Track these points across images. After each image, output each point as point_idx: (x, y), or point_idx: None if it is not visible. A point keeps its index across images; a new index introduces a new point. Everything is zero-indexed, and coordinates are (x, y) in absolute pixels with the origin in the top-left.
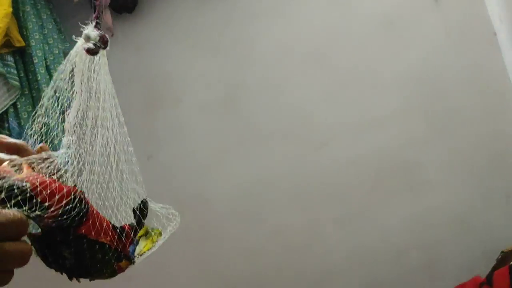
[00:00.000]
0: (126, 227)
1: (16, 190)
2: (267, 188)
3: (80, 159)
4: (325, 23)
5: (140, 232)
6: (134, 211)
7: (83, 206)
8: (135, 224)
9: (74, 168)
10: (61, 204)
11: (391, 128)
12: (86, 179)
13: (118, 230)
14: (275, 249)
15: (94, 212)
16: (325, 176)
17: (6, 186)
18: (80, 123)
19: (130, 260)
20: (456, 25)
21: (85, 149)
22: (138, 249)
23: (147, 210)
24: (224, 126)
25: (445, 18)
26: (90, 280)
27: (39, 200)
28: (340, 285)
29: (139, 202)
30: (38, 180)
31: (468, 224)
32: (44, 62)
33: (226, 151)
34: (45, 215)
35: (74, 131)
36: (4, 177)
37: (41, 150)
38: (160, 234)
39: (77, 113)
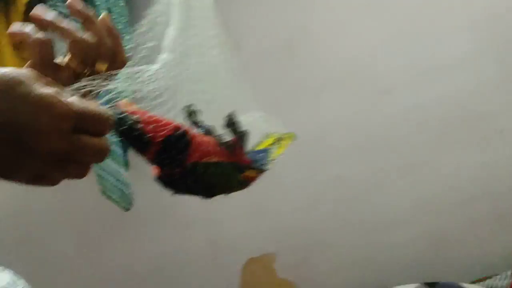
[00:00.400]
0: (233, 140)
1: (127, 122)
2: (327, 136)
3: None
4: None
5: (269, 141)
6: (228, 124)
7: (185, 138)
8: (238, 134)
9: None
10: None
11: (460, 74)
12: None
13: (225, 145)
14: (335, 198)
15: (197, 138)
16: (388, 125)
17: (118, 117)
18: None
19: (256, 168)
20: None
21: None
22: (270, 155)
23: (236, 120)
24: (285, 72)
25: None
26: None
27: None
28: (403, 235)
29: (227, 116)
30: (146, 115)
31: None
32: (105, 4)
33: (286, 99)
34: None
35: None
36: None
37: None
38: (292, 137)
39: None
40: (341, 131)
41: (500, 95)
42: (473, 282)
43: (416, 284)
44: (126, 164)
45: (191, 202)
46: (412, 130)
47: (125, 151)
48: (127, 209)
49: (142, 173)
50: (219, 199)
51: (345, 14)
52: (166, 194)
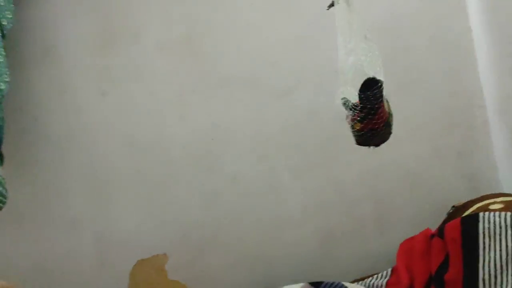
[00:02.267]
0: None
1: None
2: (225, 134)
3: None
4: None
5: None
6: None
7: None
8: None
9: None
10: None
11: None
12: None
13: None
14: (231, 196)
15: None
16: (285, 125)
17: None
18: None
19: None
20: None
21: None
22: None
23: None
24: (184, 67)
25: None
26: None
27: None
28: (295, 234)
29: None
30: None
31: (420, 178)
32: None
33: (185, 94)
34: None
35: None
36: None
37: None
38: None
39: None
40: (238, 130)
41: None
42: (356, 281)
43: (302, 284)
44: (1, 159)
45: (76, 200)
46: (307, 132)
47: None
48: (0, 208)
49: (21, 169)
50: (106, 196)
51: (249, 12)
52: (48, 192)
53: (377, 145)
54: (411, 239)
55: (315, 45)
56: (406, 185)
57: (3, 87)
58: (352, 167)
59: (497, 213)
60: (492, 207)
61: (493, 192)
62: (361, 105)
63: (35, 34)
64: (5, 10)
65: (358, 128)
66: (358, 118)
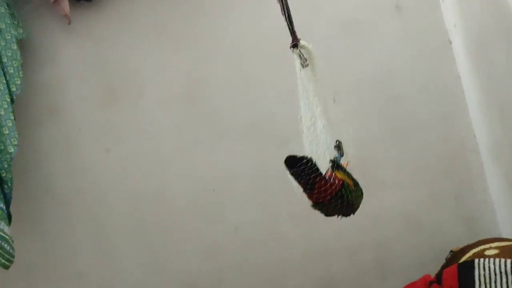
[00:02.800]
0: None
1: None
2: (227, 185)
3: None
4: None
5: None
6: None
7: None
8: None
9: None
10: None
11: (348, 128)
12: None
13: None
14: (234, 246)
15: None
16: (285, 174)
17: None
18: None
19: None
20: (415, 31)
21: None
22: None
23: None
24: (186, 121)
25: (404, 25)
26: None
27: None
28: (297, 281)
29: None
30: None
31: (418, 223)
32: None
33: (187, 147)
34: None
35: None
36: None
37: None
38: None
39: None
40: (239, 180)
41: (382, 148)
42: None
43: None
44: (9, 218)
45: (83, 253)
46: None
47: (7, 205)
48: (7, 267)
49: (30, 226)
50: (112, 249)
51: (245, 68)
52: (55, 246)
53: (346, 215)
54: (412, 285)
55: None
56: (405, 230)
57: (12, 150)
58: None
59: (491, 260)
60: (487, 252)
61: (492, 234)
62: (296, 180)
63: (41, 96)
64: (14, 77)
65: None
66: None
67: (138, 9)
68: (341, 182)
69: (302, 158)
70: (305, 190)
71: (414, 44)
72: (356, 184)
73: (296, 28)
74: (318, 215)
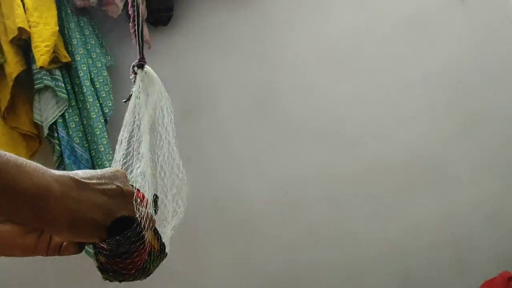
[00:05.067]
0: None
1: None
2: (299, 187)
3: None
4: (352, 25)
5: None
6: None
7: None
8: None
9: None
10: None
11: (419, 126)
12: None
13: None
14: (309, 245)
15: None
16: (355, 174)
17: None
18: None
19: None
20: (482, 23)
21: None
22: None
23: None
24: (259, 128)
25: (471, 17)
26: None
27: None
28: (374, 279)
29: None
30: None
31: (498, 219)
32: (88, 75)
33: (261, 152)
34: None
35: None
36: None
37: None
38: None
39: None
40: (311, 182)
41: (454, 146)
42: None
43: None
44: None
45: (174, 254)
46: (377, 179)
47: None
48: None
49: None
50: (199, 253)
51: (313, 73)
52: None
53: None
54: (490, 281)
55: (376, 97)
56: (483, 226)
57: (107, 165)
58: (428, 210)
59: None
60: None
61: None
62: (112, 246)
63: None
64: (107, 100)
65: (101, 260)
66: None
67: (209, 27)
68: (148, 251)
69: (130, 220)
70: (115, 257)
71: (482, 36)
72: (162, 250)
73: (359, 29)
74: (392, 214)
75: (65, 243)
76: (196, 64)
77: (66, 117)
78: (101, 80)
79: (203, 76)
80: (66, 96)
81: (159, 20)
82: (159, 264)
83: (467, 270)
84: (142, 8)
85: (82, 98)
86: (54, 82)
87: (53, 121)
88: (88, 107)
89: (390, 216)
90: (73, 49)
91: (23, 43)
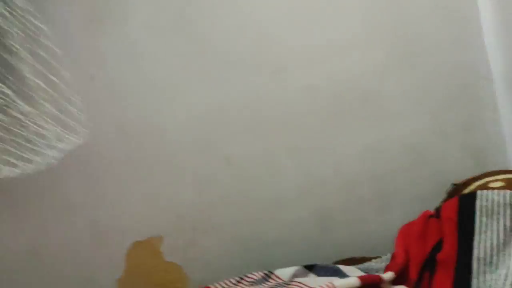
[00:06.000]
0: None
1: None
2: (220, 116)
3: None
4: None
5: None
6: None
7: None
8: None
9: None
10: None
11: (351, 55)
12: None
13: None
14: (226, 178)
15: None
16: (281, 104)
17: None
18: None
19: None
20: None
21: None
22: None
23: None
24: (176, 49)
25: None
26: None
27: None
28: (292, 215)
29: None
30: None
31: (422, 156)
32: None
33: (177, 76)
34: None
35: None
36: None
37: None
38: None
39: None
40: (232, 110)
41: (388, 78)
42: (355, 260)
43: (296, 267)
44: None
45: (70, 185)
46: (305, 110)
47: None
48: None
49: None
50: (100, 181)
51: None
52: (42, 176)
53: None
54: (411, 223)
55: (305, 22)
56: (408, 163)
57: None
58: (351, 145)
59: (496, 191)
60: (492, 185)
61: (500, 168)
62: None
63: (22, 21)
64: None
65: None
66: None
67: None
68: None
69: None
70: None
71: None
72: None
73: None
74: (315, 147)
75: None
76: None
77: None
78: None
79: None
80: None
81: None
82: None
83: (388, 207)
84: None
85: None
86: None
87: None
88: None
89: (313, 150)
90: None
91: None
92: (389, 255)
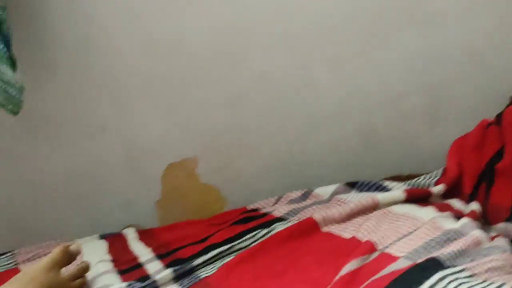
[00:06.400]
0: None
1: None
2: (250, 27)
3: None
4: None
5: None
6: None
7: None
8: None
9: None
10: None
11: None
12: None
13: None
14: (260, 95)
15: None
16: (316, 10)
17: None
18: None
19: None
20: None
21: None
22: None
23: None
24: None
25: None
26: None
27: None
28: (333, 132)
29: None
30: None
31: (484, 62)
32: None
33: None
34: None
35: None
36: None
37: None
38: None
39: None
40: (264, 20)
41: None
42: (401, 178)
43: (337, 185)
44: (12, 63)
45: (102, 107)
46: (343, 16)
47: (8, 47)
48: (16, 113)
49: (42, 78)
50: (131, 102)
51: None
52: (73, 99)
53: None
54: (466, 134)
55: None
56: (466, 70)
57: None
58: (399, 52)
59: None
60: None
61: None
62: None
63: None
64: None
65: None
66: None
67: None
68: None
69: None
70: None
71: None
72: None
73: None
74: (357, 57)
75: None
76: None
77: None
78: None
79: None
80: None
81: None
82: None
83: (440, 122)
84: None
85: None
86: None
87: None
88: None
89: (355, 60)
90: None
91: None
92: (440, 171)
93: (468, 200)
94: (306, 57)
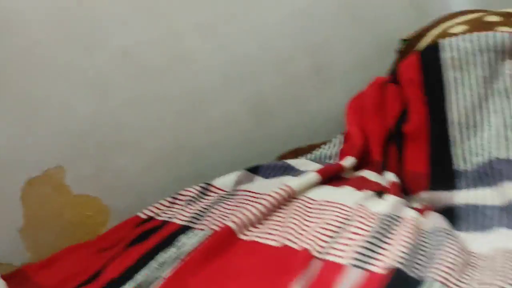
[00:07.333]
0: None
1: None
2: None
3: None
4: None
5: None
6: None
7: None
8: None
9: None
10: None
11: None
12: None
13: None
14: (126, 76)
15: None
16: None
17: None
18: None
19: None
20: None
21: None
22: None
23: None
24: None
25: None
26: None
27: None
28: (218, 110)
29: None
30: None
31: (361, 13)
32: None
33: None
34: None
35: None
36: None
37: None
38: None
39: None
40: None
41: None
42: (301, 150)
43: (238, 172)
44: None
45: None
46: None
47: None
48: None
49: None
50: None
51: None
52: None
53: None
54: (361, 94)
55: None
56: (344, 25)
57: None
58: (277, 11)
59: (461, 37)
60: (453, 30)
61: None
62: None
63: None
64: None
65: None
66: None
67: None
68: None
69: None
70: None
71: None
72: None
73: None
74: (235, 22)
75: None
76: None
77: None
78: None
79: None
80: None
81: None
82: None
83: (328, 82)
84: None
85: None
86: None
87: None
88: None
89: (231, 24)
90: None
91: None
92: (340, 137)
93: (381, 169)
94: (174, 25)
